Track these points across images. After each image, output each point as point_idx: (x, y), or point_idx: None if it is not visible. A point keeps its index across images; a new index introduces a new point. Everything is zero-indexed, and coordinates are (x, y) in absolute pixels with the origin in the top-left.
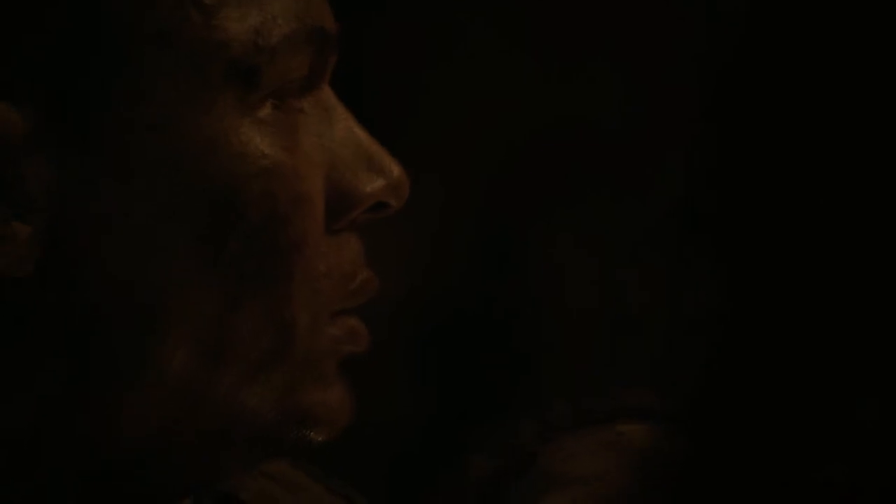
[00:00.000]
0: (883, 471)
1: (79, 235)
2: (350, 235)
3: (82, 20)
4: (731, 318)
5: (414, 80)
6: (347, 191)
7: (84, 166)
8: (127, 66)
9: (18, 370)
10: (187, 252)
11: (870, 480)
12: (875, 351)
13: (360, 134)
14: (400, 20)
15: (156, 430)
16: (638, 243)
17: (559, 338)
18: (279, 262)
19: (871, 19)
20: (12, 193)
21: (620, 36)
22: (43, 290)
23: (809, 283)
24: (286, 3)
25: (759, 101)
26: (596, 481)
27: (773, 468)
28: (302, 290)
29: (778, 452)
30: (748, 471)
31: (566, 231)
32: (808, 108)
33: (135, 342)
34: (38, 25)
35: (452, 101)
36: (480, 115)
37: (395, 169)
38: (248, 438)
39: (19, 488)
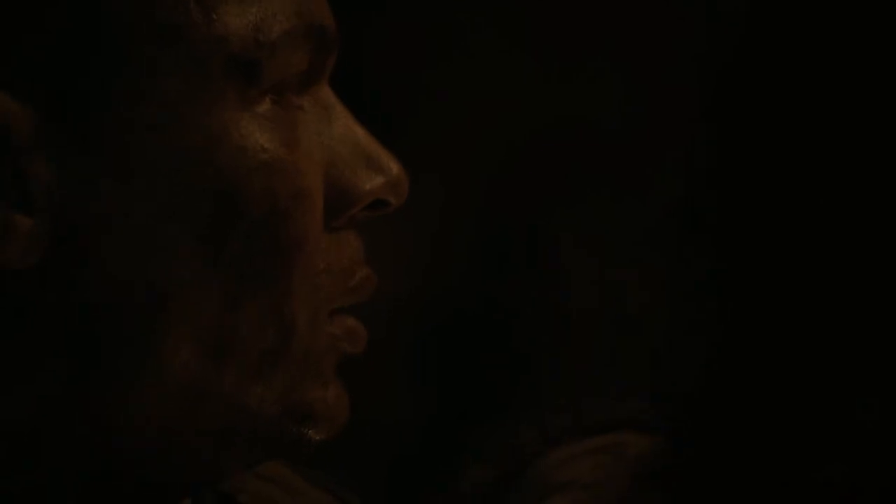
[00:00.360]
0: (883, 471)
1: (79, 235)
2: (349, 233)
3: (82, 20)
4: (731, 318)
5: (413, 79)
6: (346, 188)
7: (84, 166)
8: (127, 65)
9: (18, 364)
10: (188, 252)
11: (869, 480)
12: (875, 351)
13: (359, 132)
14: (399, 20)
15: (156, 429)
16: (638, 243)
17: (559, 338)
18: (279, 258)
19: (871, 20)
20: (12, 192)
21: (620, 36)
22: (43, 290)
23: (809, 283)
24: (285, 0)
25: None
26: (595, 486)
27: (773, 467)
28: (302, 286)
29: (778, 452)
30: (748, 470)
31: (566, 231)
32: (807, 109)
33: (135, 342)
34: (38, 25)
35: (452, 100)
36: (480, 114)
37: (394, 167)
38: (248, 437)
39: (19, 480)
